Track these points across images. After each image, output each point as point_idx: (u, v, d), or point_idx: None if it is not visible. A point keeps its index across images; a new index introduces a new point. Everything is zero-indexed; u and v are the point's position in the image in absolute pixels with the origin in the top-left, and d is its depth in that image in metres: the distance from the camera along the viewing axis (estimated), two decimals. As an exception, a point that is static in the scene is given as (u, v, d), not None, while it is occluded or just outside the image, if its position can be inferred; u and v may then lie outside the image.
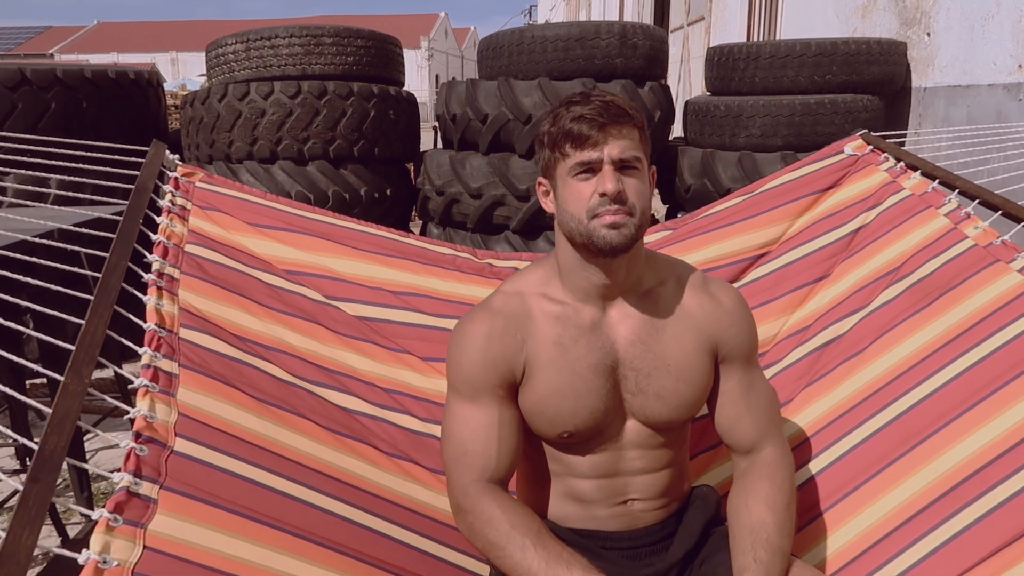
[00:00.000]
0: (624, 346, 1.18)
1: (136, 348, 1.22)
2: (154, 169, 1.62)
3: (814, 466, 1.50)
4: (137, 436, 1.10)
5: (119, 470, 1.05)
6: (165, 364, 1.22)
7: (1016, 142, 2.21)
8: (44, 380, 2.59)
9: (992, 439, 1.30)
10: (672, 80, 7.98)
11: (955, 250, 1.59)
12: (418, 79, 32.87)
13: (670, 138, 4.36)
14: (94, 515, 0.99)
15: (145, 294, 1.32)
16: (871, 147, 1.90)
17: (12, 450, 2.68)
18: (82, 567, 0.92)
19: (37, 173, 1.80)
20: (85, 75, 3.49)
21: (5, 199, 2.99)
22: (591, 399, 1.17)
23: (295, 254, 1.64)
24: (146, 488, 1.05)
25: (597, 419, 1.17)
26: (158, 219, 1.52)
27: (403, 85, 4.33)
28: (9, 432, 1.13)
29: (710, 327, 1.22)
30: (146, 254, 1.41)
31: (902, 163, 1.84)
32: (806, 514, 1.45)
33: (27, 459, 2.43)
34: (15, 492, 2.45)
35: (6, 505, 2.39)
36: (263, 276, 1.57)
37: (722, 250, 1.79)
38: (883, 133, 2.00)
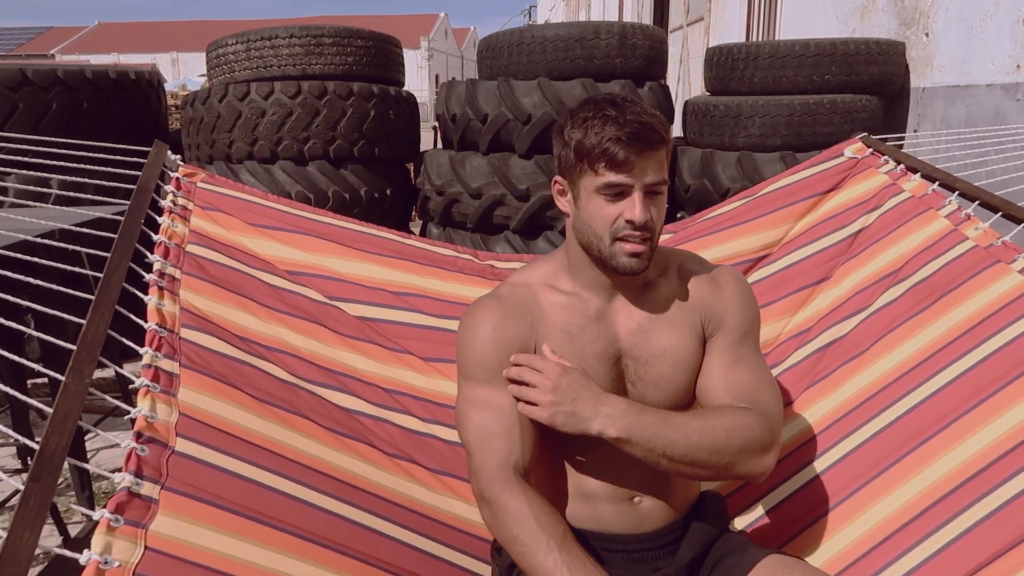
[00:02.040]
0: (625, 335, 1.20)
1: (137, 348, 1.23)
2: (156, 169, 1.62)
3: (817, 467, 1.50)
4: (138, 436, 1.09)
5: (120, 470, 1.05)
6: (166, 364, 1.22)
7: (1015, 142, 2.21)
8: (45, 380, 2.60)
9: (994, 440, 1.30)
10: (671, 80, 7.98)
11: (956, 251, 1.59)
12: (418, 79, 32.87)
13: (669, 138, 4.36)
14: (95, 515, 0.99)
15: (146, 294, 1.33)
16: (871, 150, 1.91)
17: (13, 449, 2.69)
18: (83, 567, 0.92)
19: (39, 174, 1.81)
20: (86, 75, 3.49)
21: (7, 199, 3.00)
22: None
23: (296, 254, 1.64)
24: (147, 488, 1.04)
25: None
26: (159, 219, 1.52)
27: (403, 85, 4.34)
28: (10, 432, 1.14)
29: (701, 304, 1.23)
30: (147, 254, 1.41)
31: (902, 165, 1.84)
32: (809, 514, 1.45)
33: (28, 458, 2.44)
34: (16, 491, 2.45)
35: (7, 504, 2.40)
36: (264, 276, 1.56)
37: (723, 252, 1.79)
38: (883, 136, 2.01)
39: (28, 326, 1.31)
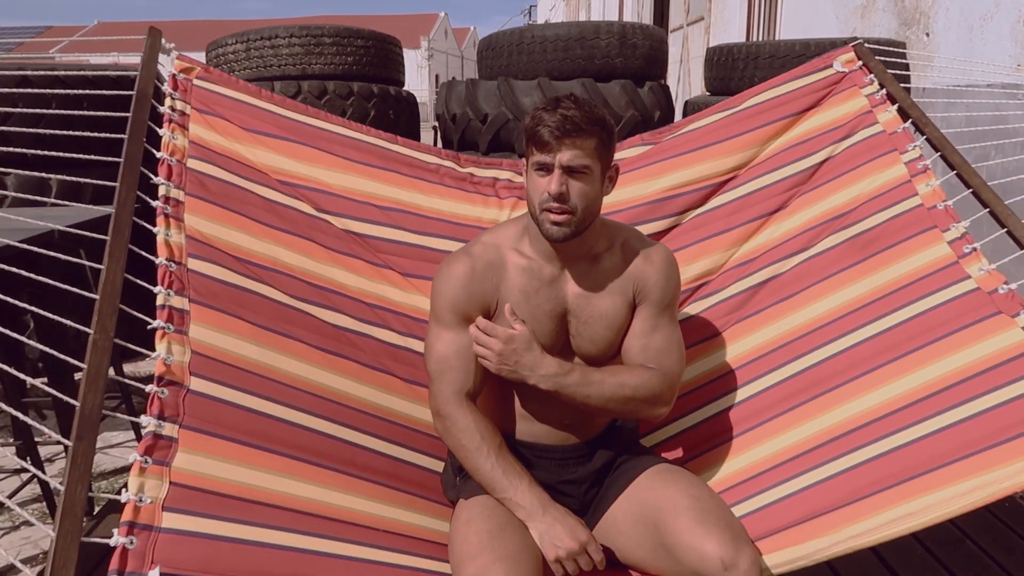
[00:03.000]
0: (572, 299, 1.44)
1: (151, 288, 1.33)
2: (153, 66, 1.66)
3: (728, 400, 1.66)
4: (159, 380, 1.23)
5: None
6: (177, 301, 1.35)
7: (1013, 141, 2.21)
8: (45, 379, 2.60)
9: (885, 400, 1.46)
10: (672, 80, 7.99)
11: (902, 207, 1.67)
12: (418, 79, 32.86)
13: (670, 138, 4.36)
14: (130, 458, 1.12)
15: (153, 228, 1.42)
16: (860, 63, 1.92)
17: (14, 448, 2.69)
18: (123, 506, 1.07)
19: (39, 174, 1.81)
20: (86, 75, 3.49)
21: (8, 194, 3.00)
22: (545, 337, 1.42)
23: (289, 164, 1.73)
24: (168, 429, 1.19)
25: (547, 353, 1.41)
26: (160, 131, 1.58)
27: (403, 85, 4.34)
28: (29, 420, 1.14)
29: (635, 278, 1.45)
30: (151, 176, 1.50)
31: (884, 91, 1.86)
32: (711, 440, 1.65)
33: (28, 458, 2.44)
34: (18, 488, 2.45)
35: (6, 505, 2.40)
36: (260, 190, 1.66)
37: (691, 175, 1.86)
38: (875, 48, 1.99)
39: (28, 326, 1.31)
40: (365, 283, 1.69)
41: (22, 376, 1.30)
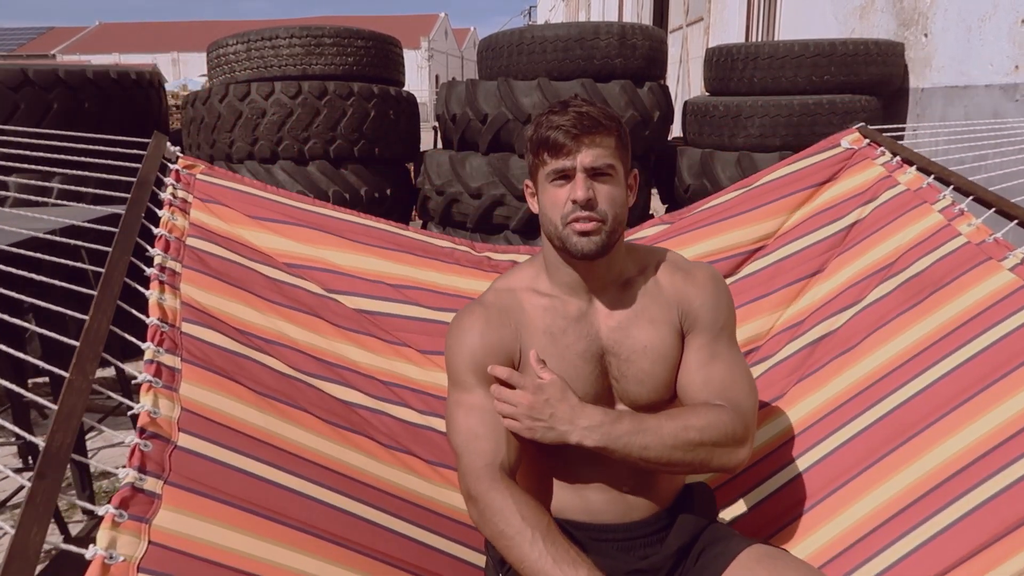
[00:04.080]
0: (606, 333, 1.24)
1: (139, 344, 1.23)
2: (155, 161, 1.63)
3: (804, 461, 1.52)
4: (141, 432, 1.10)
5: (124, 466, 1.06)
6: (167, 359, 1.23)
7: (1013, 140, 2.22)
8: (46, 379, 2.60)
9: (978, 437, 1.32)
10: (671, 80, 7.99)
11: (948, 247, 1.60)
12: (418, 79, 32.87)
13: (669, 138, 4.37)
14: (99, 511, 0.99)
15: (147, 288, 1.33)
16: (868, 140, 1.91)
17: (15, 448, 2.70)
18: (88, 563, 0.93)
19: (41, 168, 1.82)
20: (87, 75, 3.50)
21: (9, 194, 3.01)
22: (580, 384, 1.21)
23: (295, 247, 1.65)
24: (150, 483, 1.05)
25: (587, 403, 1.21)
26: (160, 212, 1.52)
27: (403, 85, 4.34)
28: (15, 429, 1.14)
29: (678, 300, 1.27)
30: (148, 248, 1.41)
31: (898, 157, 1.84)
32: (795, 508, 1.48)
33: (30, 457, 2.44)
34: (17, 490, 2.46)
35: (7, 504, 2.40)
36: (263, 269, 1.58)
37: (718, 244, 1.80)
38: (880, 127, 2.01)
39: (29, 325, 1.32)
40: (379, 360, 1.57)
41: (19, 388, 1.28)
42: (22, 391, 1.15)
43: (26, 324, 1.27)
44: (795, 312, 1.74)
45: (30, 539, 0.91)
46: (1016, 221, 1.67)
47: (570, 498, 1.25)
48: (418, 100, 4.27)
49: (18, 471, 2.63)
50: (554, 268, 1.25)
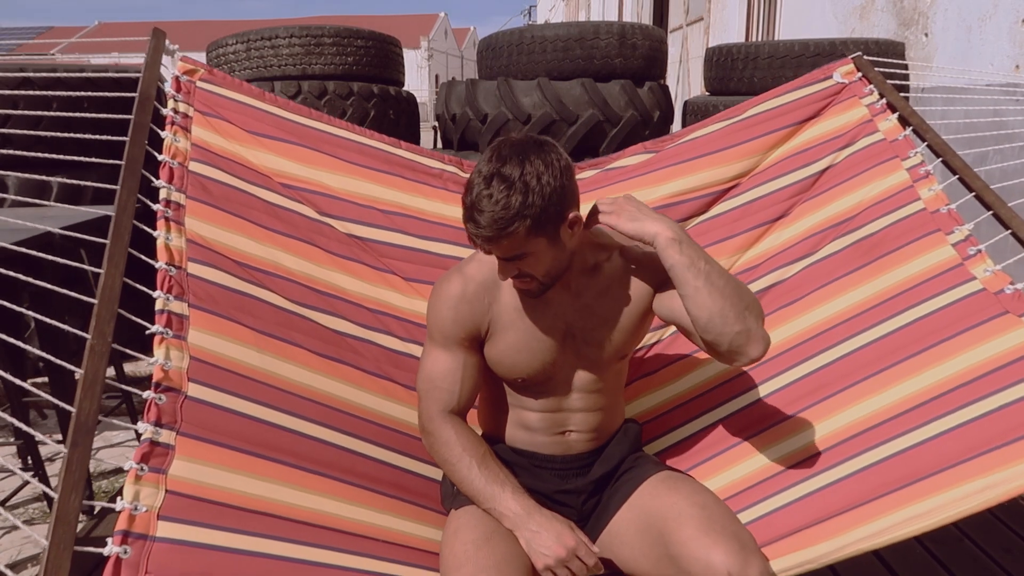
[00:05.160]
0: (573, 311, 1.39)
1: (149, 291, 1.31)
2: (156, 68, 1.65)
3: (735, 403, 1.66)
4: (156, 386, 1.21)
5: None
6: (176, 306, 1.33)
7: (1012, 140, 2.22)
8: (46, 379, 2.60)
9: (888, 403, 1.46)
10: (671, 80, 7.99)
11: (905, 211, 1.68)
12: (418, 79, 32.85)
13: (669, 138, 4.37)
14: (126, 466, 1.10)
15: (154, 228, 1.41)
16: (860, 74, 1.93)
17: (14, 448, 2.69)
18: (118, 515, 1.05)
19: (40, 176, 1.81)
20: (86, 75, 3.49)
21: (8, 196, 3.00)
22: (542, 354, 1.38)
23: (292, 167, 1.72)
24: (165, 436, 1.17)
25: (547, 369, 1.40)
26: (162, 133, 1.57)
27: (403, 85, 4.34)
28: (17, 423, 1.15)
29: (646, 276, 1.41)
30: (152, 179, 1.48)
31: (884, 100, 1.86)
32: (719, 444, 1.63)
33: (28, 458, 2.44)
34: (18, 489, 2.45)
35: (7, 504, 2.40)
36: (262, 193, 1.65)
37: (694, 183, 1.86)
38: (876, 61, 2.00)
39: (29, 324, 1.32)
40: (367, 288, 1.68)
41: (19, 382, 1.29)
42: (23, 381, 1.16)
43: (24, 311, 1.28)
44: (753, 256, 1.81)
45: (70, 506, 1.03)
46: (974, 194, 1.72)
47: (520, 434, 1.46)
48: (418, 100, 4.27)
49: (23, 470, 2.63)
50: None
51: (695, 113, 4.15)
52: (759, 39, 7.24)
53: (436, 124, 4.93)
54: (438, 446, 1.36)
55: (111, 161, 1.60)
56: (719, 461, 1.60)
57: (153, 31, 1.71)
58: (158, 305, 1.31)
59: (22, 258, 1.48)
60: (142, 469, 1.11)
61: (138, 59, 1.68)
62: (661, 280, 1.38)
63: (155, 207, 1.45)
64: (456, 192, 1.83)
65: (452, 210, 1.81)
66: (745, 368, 1.67)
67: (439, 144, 4.86)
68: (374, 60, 4.03)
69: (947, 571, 1.94)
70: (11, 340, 1.29)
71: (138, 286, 1.32)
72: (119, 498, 1.07)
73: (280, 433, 1.34)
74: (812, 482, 1.43)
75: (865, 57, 1.98)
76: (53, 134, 1.87)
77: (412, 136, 4.13)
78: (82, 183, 2.02)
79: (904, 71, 2.79)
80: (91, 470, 2.43)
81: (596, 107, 3.61)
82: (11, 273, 1.40)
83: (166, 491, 1.11)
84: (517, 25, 5.02)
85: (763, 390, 1.64)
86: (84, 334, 1.21)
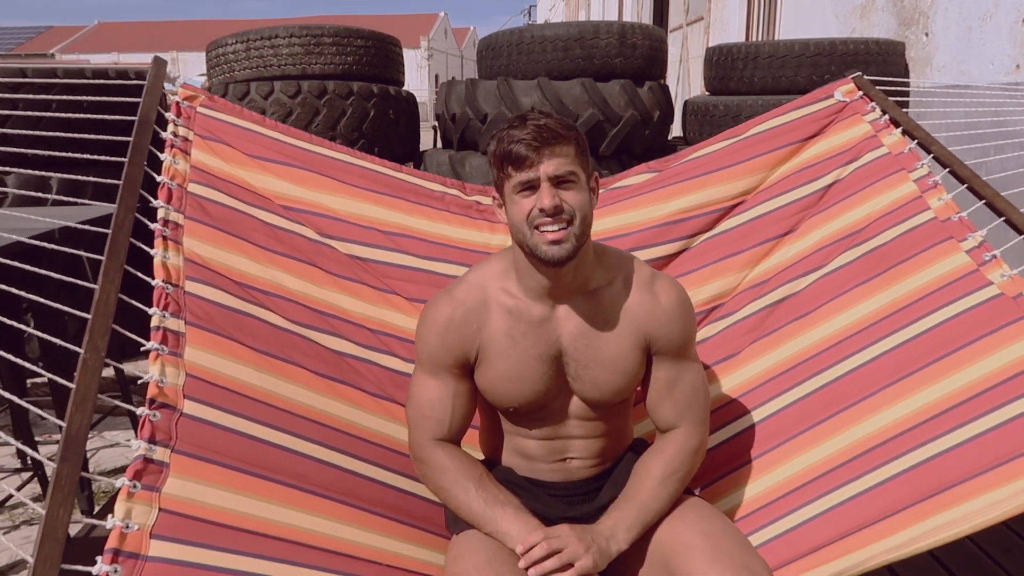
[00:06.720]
0: (568, 340, 1.32)
1: (145, 308, 1.29)
2: (156, 93, 1.64)
3: (747, 420, 1.61)
4: (151, 402, 1.17)
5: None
6: (172, 323, 1.30)
7: (1012, 140, 2.21)
8: (45, 379, 2.59)
9: (906, 414, 1.41)
10: (671, 80, 7.99)
11: (915, 220, 1.65)
12: (418, 79, 32.84)
13: (669, 138, 4.37)
14: (117, 483, 1.05)
15: (151, 246, 1.39)
16: (861, 93, 1.92)
17: (13, 449, 2.69)
18: (108, 532, 1.02)
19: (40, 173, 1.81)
20: (86, 75, 3.50)
21: (8, 191, 3.00)
22: (535, 383, 1.32)
23: (292, 189, 1.70)
24: (159, 453, 1.14)
25: (540, 398, 1.33)
26: (161, 156, 1.56)
27: (403, 85, 4.34)
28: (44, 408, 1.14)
29: (647, 324, 1.33)
30: (151, 199, 1.47)
31: (886, 116, 1.85)
32: (735, 460, 1.58)
33: (27, 458, 2.44)
34: (18, 488, 2.45)
35: (7, 504, 2.40)
36: (262, 215, 1.63)
37: (700, 199, 1.84)
38: (876, 80, 2.00)
39: (28, 325, 1.31)
40: (369, 308, 1.65)
41: (19, 393, 1.28)
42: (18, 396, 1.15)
43: (24, 326, 1.27)
44: (762, 271, 1.79)
45: (58, 521, 1.00)
46: (984, 201, 1.70)
47: (519, 462, 1.40)
48: (418, 100, 4.27)
49: (16, 471, 2.62)
50: (522, 272, 1.31)
51: (695, 113, 4.15)
52: (759, 39, 7.24)
53: (436, 124, 4.93)
54: (432, 474, 1.32)
55: (110, 159, 1.60)
56: (733, 479, 1.56)
57: (154, 59, 1.71)
58: (154, 322, 1.28)
59: (22, 256, 1.47)
60: (134, 486, 1.07)
61: (138, 58, 1.68)
62: (656, 337, 1.34)
63: (152, 226, 1.43)
64: (459, 214, 1.82)
65: (455, 231, 1.79)
66: (760, 382, 1.64)
67: (439, 143, 4.85)
68: (374, 60, 4.03)
69: (947, 571, 1.93)
70: (11, 337, 1.28)
71: (135, 303, 1.29)
72: (110, 515, 1.04)
73: (278, 453, 1.30)
74: (833, 496, 1.39)
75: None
76: (52, 133, 1.86)
77: (412, 136, 4.13)
78: (81, 178, 2.02)
79: (903, 77, 2.79)
80: (91, 469, 2.42)
81: (596, 107, 3.61)
82: (14, 268, 1.39)
83: (159, 509, 1.08)
84: (517, 25, 5.02)
85: (778, 404, 1.59)
86: (77, 348, 1.18)
